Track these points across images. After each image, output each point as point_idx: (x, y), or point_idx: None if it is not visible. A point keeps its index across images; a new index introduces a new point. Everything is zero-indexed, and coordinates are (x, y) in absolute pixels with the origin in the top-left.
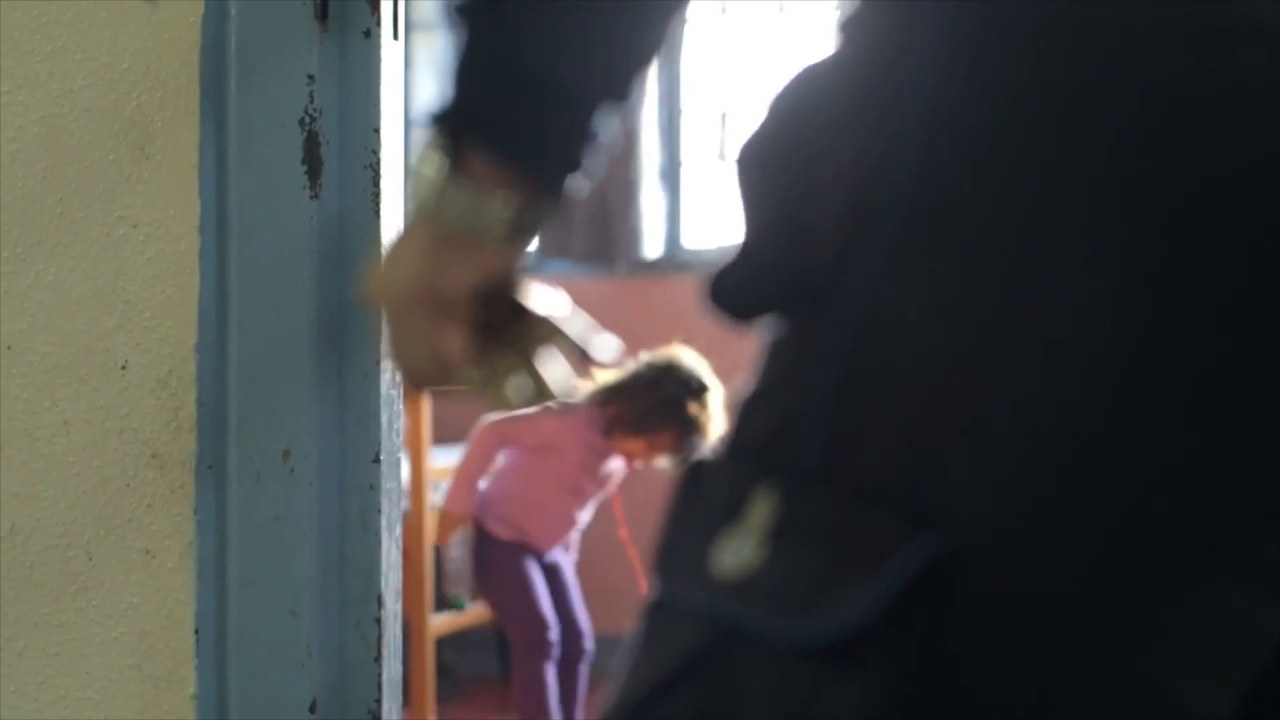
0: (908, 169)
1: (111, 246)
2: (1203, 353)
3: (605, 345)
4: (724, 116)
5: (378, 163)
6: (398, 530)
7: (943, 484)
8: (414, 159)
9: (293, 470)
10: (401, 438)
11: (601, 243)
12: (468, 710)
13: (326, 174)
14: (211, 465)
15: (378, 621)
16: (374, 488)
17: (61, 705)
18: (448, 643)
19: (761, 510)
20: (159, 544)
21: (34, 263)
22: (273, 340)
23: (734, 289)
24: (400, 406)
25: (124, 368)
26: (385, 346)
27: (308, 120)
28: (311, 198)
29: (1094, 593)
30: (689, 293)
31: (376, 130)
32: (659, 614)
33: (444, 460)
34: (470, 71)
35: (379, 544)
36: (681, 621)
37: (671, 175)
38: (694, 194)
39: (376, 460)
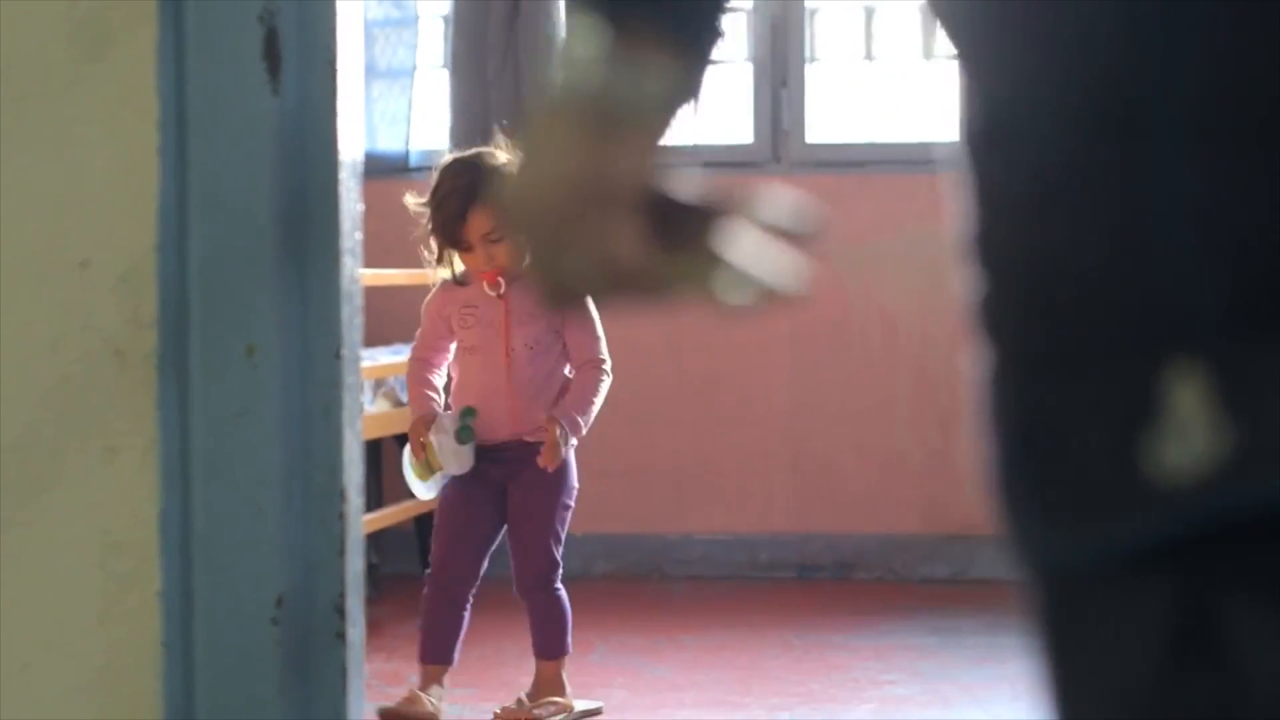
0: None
1: (69, 145)
2: None
3: (805, 216)
4: None
5: (335, 58)
6: (359, 425)
7: None
8: (563, 36)
9: (256, 366)
10: (360, 334)
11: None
12: (390, 608)
13: (285, 70)
14: (174, 362)
15: (341, 516)
16: (336, 383)
17: (25, 604)
18: (369, 541)
19: (1187, 388)
20: (121, 441)
21: None
22: (234, 237)
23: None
24: (360, 302)
25: (84, 265)
26: (527, 259)
27: (267, 16)
28: (272, 94)
29: None
30: None
31: (335, 25)
32: (1076, 588)
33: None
34: None
35: (341, 439)
36: (1130, 582)
37: None
38: None
39: (338, 356)
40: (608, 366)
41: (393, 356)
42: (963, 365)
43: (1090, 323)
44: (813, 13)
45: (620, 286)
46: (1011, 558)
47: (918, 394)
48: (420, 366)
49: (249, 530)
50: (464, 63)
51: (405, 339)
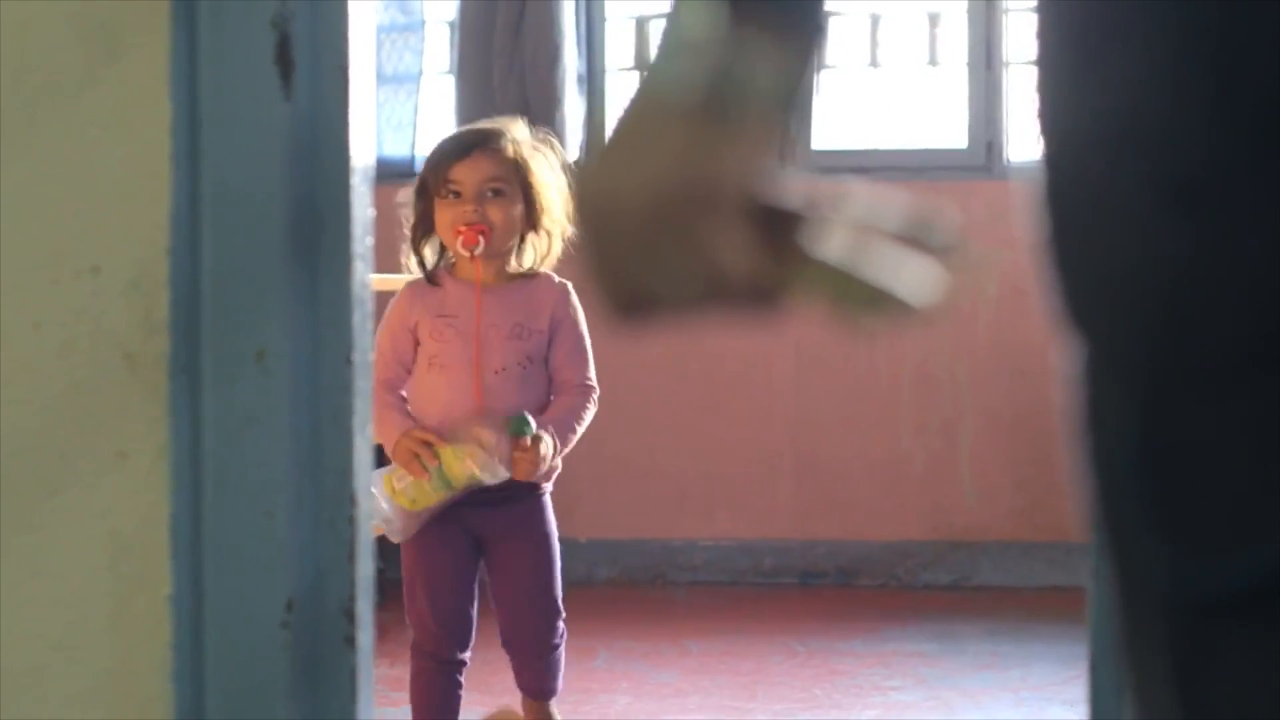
0: None
1: (82, 149)
2: None
3: (935, 223)
4: (641, 23)
5: (348, 64)
6: (369, 430)
7: None
8: (670, 24)
9: (267, 371)
10: (372, 339)
11: None
12: (395, 613)
13: (298, 76)
14: (185, 367)
15: (351, 521)
16: (347, 388)
17: (35, 608)
18: (374, 546)
19: None
20: (132, 446)
21: (3, 166)
22: (245, 242)
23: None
24: (370, 308)
25: (96, 270)
26: (608, 268)
27: (280, 21)
28: (284, 99)
29: None
30: None
31: (348, 31)
32: (1206, 617)
33: None
34: None
35: (352, 444)
36: (1273, 612)
37: (592, 83)
38: (614, 101)
39: (349, 361)
40: (596, 395)
41: None
42: (965, 371)
43: (1234, 336)
44: None
45: (722, 296)
46: (1120, 583)
47: (921, 400)
48: (381, 389)
49: (259, 534)
50: (470, 68)
51: None
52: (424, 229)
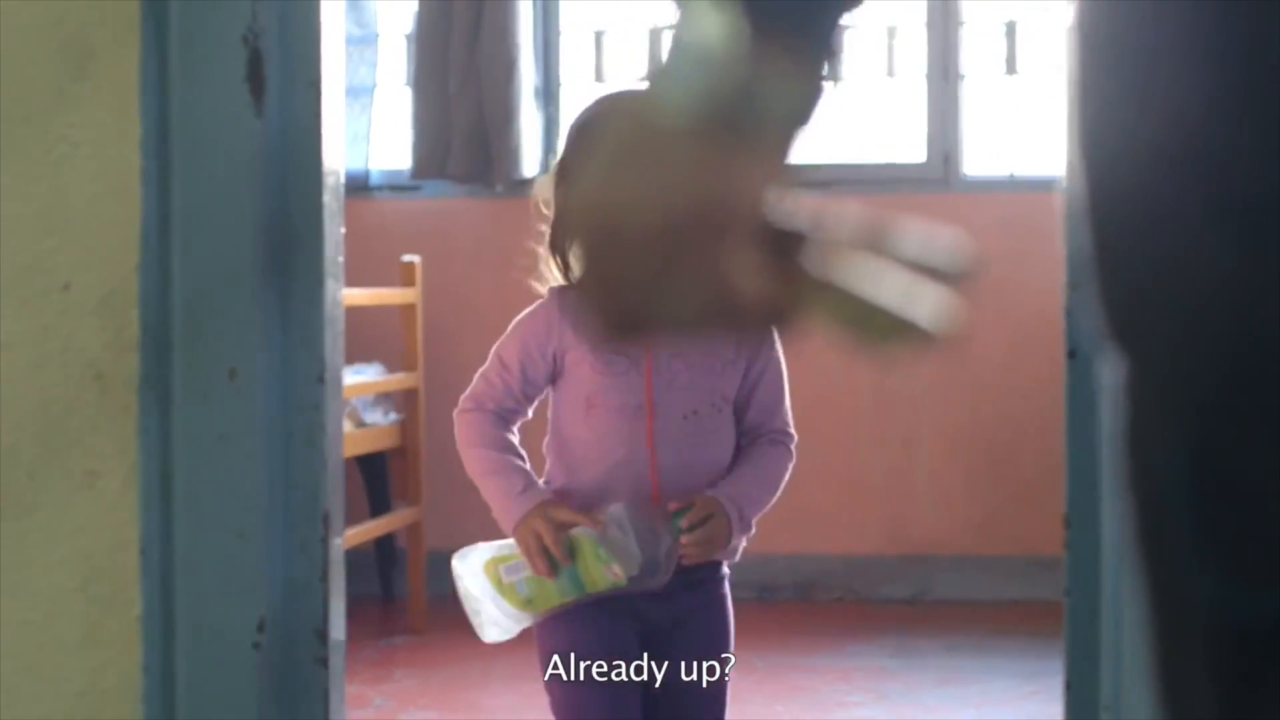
0: None
1: (51, 166)
2: None
3: (957, 251)
4: (599, 35)
5: (320, 80)
6: (340, 449)
7: None
8: (681, 37)
9: (239, 390)
10: (342, 358)
11: (480, 163)
12: (350, 629)
13: (269, 92)
14: (155, 385)
15: (323, 541)
16: (319, 407)
17: (6, 628)
18: None
19: None
20: (103, 465)
21: None
22: (216, 259)
23: None
24: (342, 325)
25: (66, 288)
26: (608, 284)
27: (251, 38)
28: (255, 116)
29: None
30: None
31: (320, 47)
32: (1267, 647)
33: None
34: None
35: (324, 463)
36: None
37: (548, 95)
38: (570, 114)
39: (321, 380)
40: (795, 443)
41: (353, 376)
42: (923, 384)
43: None
44: None
45: (728, 318)
46: (1159, 604)
47: (878, 414)
48: (490, 423)
49: (230, 554)
50: (426, 80)
51: (364, 358)
52: (569, 232)
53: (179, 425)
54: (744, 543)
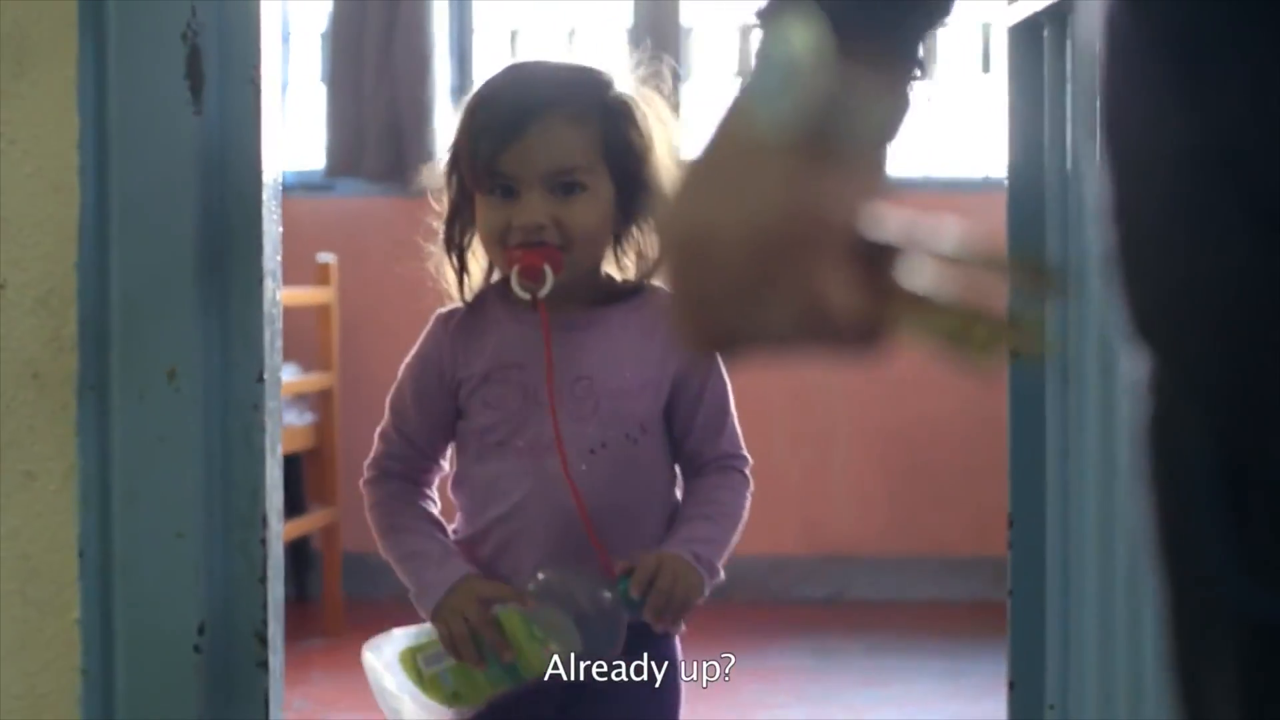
0: None
1: None
2: None
3: (1035, 262)
4: (514, 35)
5: (259, 77)
6: (279, 450)
7: None
8: (769, 49)
9: (178, 390)
10: (280, 357)
11: (394, 162)
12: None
13: (208, 89)
14: (94, 385)
15: (263, 542)
16: (258, 407)
17: None
18: None
19: None
20: (40, 466)
21: None
22: (155, 258)
23: None
24: (280, 325)
25: (2, 287)
26: (700, 303)
27: (190, 34)
28: (194, 113)
29: None
30: None
31: (260, 43)
32: None
33: None
34: None
35: (263, 464)
36: None
37: (463, 94)
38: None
39: (260, 379)
40: (749, 466)
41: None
42: (838, 383)
43: None
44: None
45: (822, 335)
46: (1179, 598)
47: (794, 413)
48: (394, 494)
49: (170, 556)
50: (340, 78)
51: (289, 358)
52: (464, 227)
53: (117, 425)
54: (712, 581)
